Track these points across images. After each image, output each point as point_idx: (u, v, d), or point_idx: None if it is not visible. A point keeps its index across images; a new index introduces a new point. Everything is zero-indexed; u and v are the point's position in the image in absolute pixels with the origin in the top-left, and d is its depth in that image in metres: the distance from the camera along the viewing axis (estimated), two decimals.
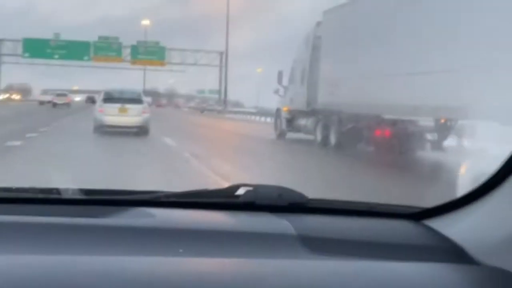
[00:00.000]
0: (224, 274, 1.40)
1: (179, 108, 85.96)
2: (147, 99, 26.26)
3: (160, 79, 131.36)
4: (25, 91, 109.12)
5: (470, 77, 11.28)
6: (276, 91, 23.53)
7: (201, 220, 1.75)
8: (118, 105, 20.12)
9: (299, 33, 21.88)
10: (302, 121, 20.50)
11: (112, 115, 19.90)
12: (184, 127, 29.84)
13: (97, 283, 1.31)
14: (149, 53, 66.42)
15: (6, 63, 67.45)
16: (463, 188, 5.39)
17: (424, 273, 1.45)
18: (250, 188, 1.83)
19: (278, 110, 23.19)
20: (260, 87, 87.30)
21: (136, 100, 20.75)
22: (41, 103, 64.57)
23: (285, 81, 22.69)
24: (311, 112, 19.70)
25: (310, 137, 19.64)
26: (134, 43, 66.78)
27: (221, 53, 68.63)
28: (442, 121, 14.44)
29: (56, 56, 64.19)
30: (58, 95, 63.03)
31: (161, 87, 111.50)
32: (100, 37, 65.83)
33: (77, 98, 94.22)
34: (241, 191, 1.83)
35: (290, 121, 21.65)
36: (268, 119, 34.53)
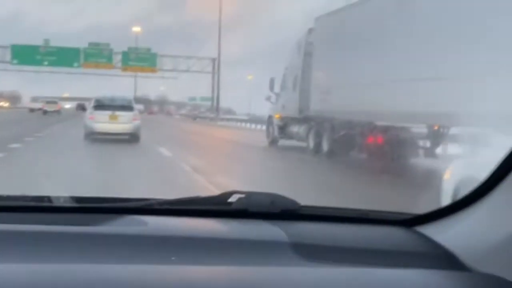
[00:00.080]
0: (217, 282, 1.40)
1: (171, 116, 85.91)
2: (139, 107, 26.19)
3: (151, 86, 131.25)
4: (14, 98, 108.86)
5: (463, 84, 11.32)
6: (268, 98, 23.45)
7: (193, 228, 1.75)
8: (108, 112, 20.07)
9: (291, 40, 21.90)
10: (294, 128, 20.46)
11: (103, 122, 19.87)
12: (177, 135, 29.73)
13: None
14: (140, 59, 65.64)
15: None
16: (447, 192, 5.41)
17: (416, 279, 1.46)
18: (243, 195, 1.83)
19: (270, 117, 23.14)
20: (252, 94, 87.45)
21: (127, 107, 20.68)
22: (31, 110, 64.40)
23: (277, 88, 22.65)
24: (303, 119, 19.67)
25: (303, 144, 19.61)
26: (125, 49, 66.02)
27: (213, 60, 68.57)
28: (435, 127, 14.45)
29: (46, 63, 62.93)
30: (48, 102, 62.89)
31: (152, 94, 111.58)
32: (90, 44, 64.77)
33: (67, 105, 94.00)
34: (233, 198, 1.82)
35: (282, 128, 21.61)
36: (259, 126, 34.49)
